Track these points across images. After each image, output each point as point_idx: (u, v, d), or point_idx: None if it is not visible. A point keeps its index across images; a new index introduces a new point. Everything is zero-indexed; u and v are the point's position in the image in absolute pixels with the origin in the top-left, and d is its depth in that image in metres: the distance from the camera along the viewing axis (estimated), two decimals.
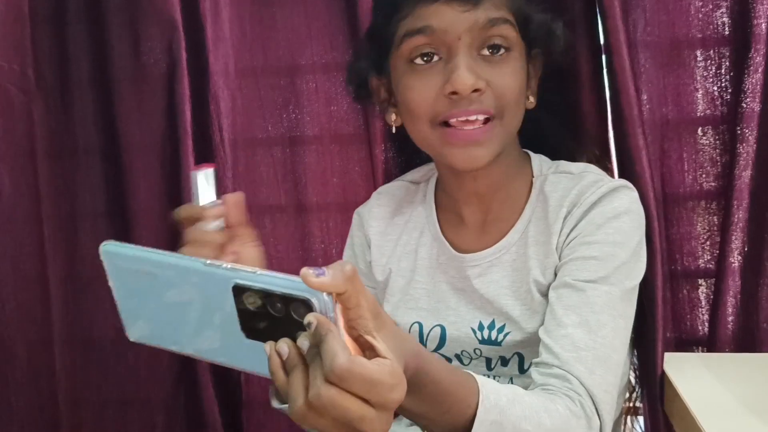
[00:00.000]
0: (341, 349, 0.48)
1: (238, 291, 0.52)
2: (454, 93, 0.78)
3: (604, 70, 0.96)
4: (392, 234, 0.95)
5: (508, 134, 0.83)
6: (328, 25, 1.06)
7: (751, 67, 0.89)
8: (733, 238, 0.91)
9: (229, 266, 0.52)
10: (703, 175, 0.97)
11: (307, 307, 0.49)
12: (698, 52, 0.95)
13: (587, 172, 0.85)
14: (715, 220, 0.97)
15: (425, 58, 0.80)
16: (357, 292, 0.51)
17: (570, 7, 0.93)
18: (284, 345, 0.51)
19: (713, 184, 0.97)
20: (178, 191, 1.08)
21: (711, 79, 0.95)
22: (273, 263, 1.11)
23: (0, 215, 1.13)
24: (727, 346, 0.94)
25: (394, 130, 0.89)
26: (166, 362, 1.15)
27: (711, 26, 0.94)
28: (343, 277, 0.49)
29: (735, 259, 0.92)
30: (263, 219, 1.12)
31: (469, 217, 0.89)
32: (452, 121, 0.80)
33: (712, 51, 0.95)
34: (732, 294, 0.92)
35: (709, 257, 0.97)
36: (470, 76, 0.77)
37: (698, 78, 0.95)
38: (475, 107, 0.79)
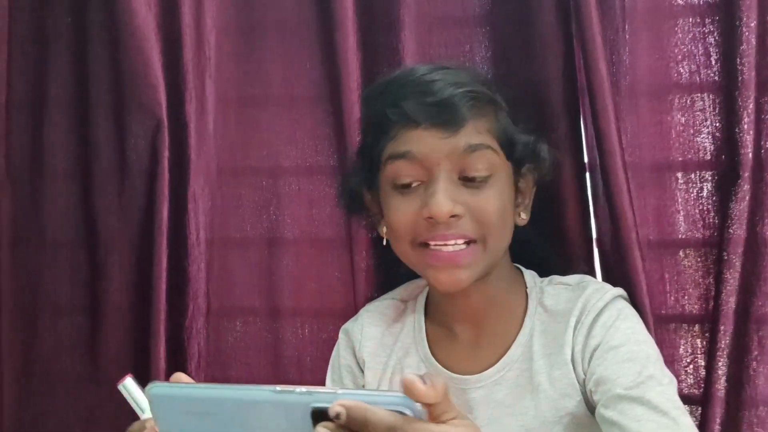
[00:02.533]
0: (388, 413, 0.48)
1: (319, 417, 0.49)
2: (431, 218, 0.79)
3: (588, 188, 0.97)
4: (382, 356, 0.92)
5: (493, 256, 0.83)
6: (313, 129, 1.06)
7: (739, 194, 0.90)
8: (720, 364, 0.90)
9: (304, 390, 0.49)
10: (686, 297, 0.96)
11: None
12: (679, 175, 0.96)
13: (585, 281, 0.86)
14: (699, 343, 0.96)
15: (407, 181, 0.81)
16: (446, 402, 0.50)
17: (555, 126, 0.95)
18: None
19: (695, 306, 0.96)
20: (149, 290, 1.04)
21: (692, 202, 0.96)
22: (242, 369, 1.07)
23: None
24: None
25: (385, 243, 0.88)
26: None
27: (692, 150, 0.95)
28: (443, 388, 0.49)
29: (721, 386, 0.90)
30: (234, 321, 1.09)
31: (462, 334, 0.87)
32: (431, 243, 0.80)
33: (693, 174, 0.96)
34: (719, 422, 0.89)
35: (692, 381, 0.95)
36: (447, 202, 0.78)
37: (680, 200, 0.96)
38: (453, 232, 0.79)
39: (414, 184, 0.81)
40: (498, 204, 0.81)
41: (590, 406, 0.80)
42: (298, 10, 1.05)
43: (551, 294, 0.86)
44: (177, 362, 1.04)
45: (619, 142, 0.89)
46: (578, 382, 0.80)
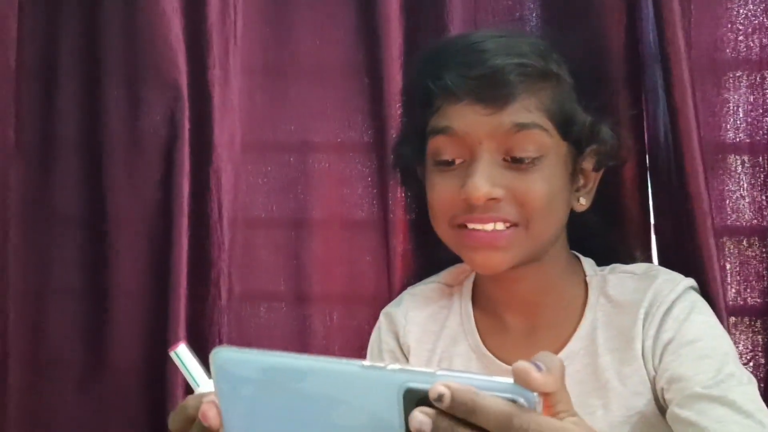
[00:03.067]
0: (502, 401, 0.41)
1: (412, 398, 0.42)
2: (467, 199, 0.73)
3: (648, 171, 0.90)
4: (427, 343, 0.85)
5: (538, 242, 0.76)
6: (346, 102, 0.98)
7: None
8: None
9: (397, 367, 0.43)
10: (748, 290, 0.89)
11: None
12: (746, 158, 0.89)
13: (654, 270, 0.79)
14: (760, 339, 0.89)
15: (449, 158, 0.75)
16: (561, 392, 0.43)
17: (615, 102, 0.87)
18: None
19: (758, 299, 0.89)
20: (167, 273, 0.96)
21: (759, 188, 0.89)
22: None
23: None
24: None
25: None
26: None
27: (761, 131, 0.88)
28: (561, 374, 0.43)
29: None
30: (258, 307, 1.01)
31: (514, 323, 0.81)
32: (469, 225, 0.75)
33: (761, 158, 0.89)
34: None
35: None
36: (484, 184, 0.71)
37: (745, 185, 0.89)
38: (490, 215, 0.73)
39: (457, 161, 0.75)
40: (545, 188, 0.73)
41: (659, 405, 0.73)
42: None
43: (615, 283, 0.79)
44: (196, 351, 0.97)
45: (696, 119, 0.81)
46: (649, 380, 0.74)
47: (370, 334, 0.96)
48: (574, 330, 0.78)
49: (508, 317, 0.81)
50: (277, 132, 1.00)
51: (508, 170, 0.73)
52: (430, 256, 0.93)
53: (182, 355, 0.59)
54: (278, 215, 1.00)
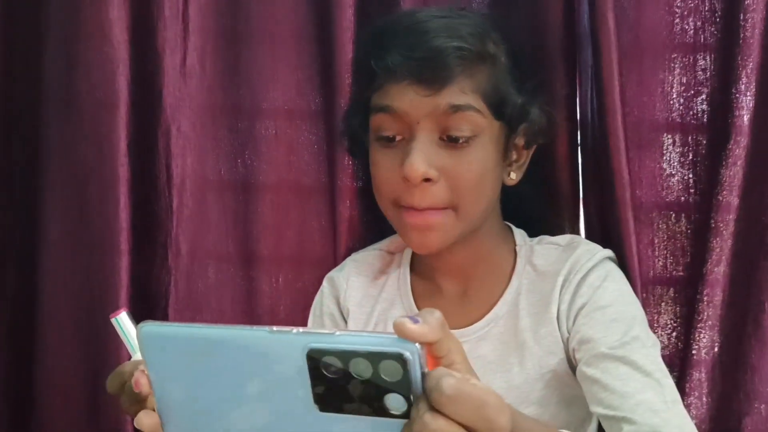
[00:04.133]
0: (446, 372, 0.44)
1: (314, 357, 0.46)
2: (405, 178, 0.76)
3: (578, 148, 0.93)
4: (366, 306, 0.89)
5: (468, 222, 0.80)
6: (296, 70, 1.00)
7: (730, 160, 0.87)
8: (702, 333, 0.88)
9: (301, 330, 0.46)
10: (673, 263, 0.94)
11: (400, 362, 0.44)
12: (677, 137, 0.93)
13: (576, 241, 0.84)
14: (684, 311, 0.93)
15: (390, 134, 0.78)
16: (448, 339, 0.46)
17: (551, 78, 0.90)
18: None
19: (683, 272, 0.94)
20: (104, 230, 0.97)
21: (687, 166, 0.93)
22: (214, 318, 1.03)
23: None
24: None
25: None
26: None
27: (691, 111, 0.92)
28: (438, 324, 0.45)
29: (702, 354, 0.89)
30: (206, 269, 1.03)
31: (449, 288, 0.85)
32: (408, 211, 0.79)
33: (690, 137, 0.93)
34: (701, 388, 0.88)
35: (674, 348, 0.93)
36: (421, 164, 0.75)
37: (675, 164, 0.93)
38: (426, 202, 0.77)
39: (397, 138, 0.78)
40: (478, 169, 0.77)
41: (571, 365, 0.79)
42: None
43: (541, 253, 0.84)
44: (143, 311, 1.00)
45: (622, 99, 0.85)
46: (562, 341, 0.79)
47: (314, 296, 1.00)
48: (501, 295, 0.83)
49: (443, 282, 0.86)
50: (228, 96, 1.01)
51: (444, 149, 0.76)
52: (374, 224, 0.96)
53: (123, 322, 0.62)
54: (228, 178, 1.02)
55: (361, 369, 0.45)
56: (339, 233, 0.97)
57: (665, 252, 0.93)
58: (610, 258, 0.83)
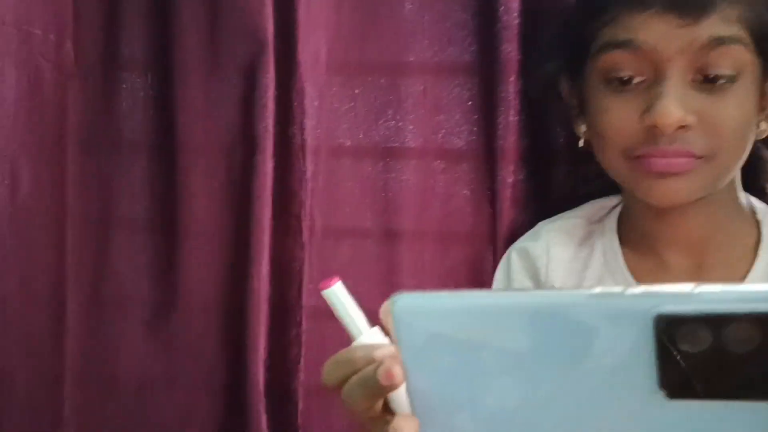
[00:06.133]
0: None
1: (665, 326, 0.34)
2: (654, 126, 0.63)
3: None
4: (570, 284, 0.76)
5: (721, 174, 0.67)
6: (446, 17, 0.88)
7: None
8: None
9: (639, 291, 0.34)
10: None
11: None
12: None
13: None
14: None
15: (626, 76, 0.65)
16: None
17: None
18: None
19: None
20: (246, 207, 0.88)
21: None
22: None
23: (14, 218, 0.91)
24: None
25: (581, 144, 0.72)
26: (205, 406, 0.94)
27: None
28: None
29: None
30: (341, 245, 0.93)
31: (677, 263, 0.72)
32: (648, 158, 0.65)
33: None
34: None
35: None
36: (677, 109, 0.62)
37: None
38: (676, 147, 0.64)
39: (635, 80, 0.65)
40: (739, 115, 0.64)
41: None
42: None
43: None
44: (276, 290, 0.90)
45: None
46: None
47: (465, 276, 0.89)
48: (748, 270, 0.70)
49: (671, 257, 0.72)
50: (366, 51, 0.90)
51: (699, 92, 0.64)
52: (544, 191, 0.84)
53: (339, 294, 0.48)
54: (366, 144, 0.91)
55: (741, 339, 0.33)
56: (500, 201, 0.85)
57: None
58: None
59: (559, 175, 0.85)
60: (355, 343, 0.47)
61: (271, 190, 0.87)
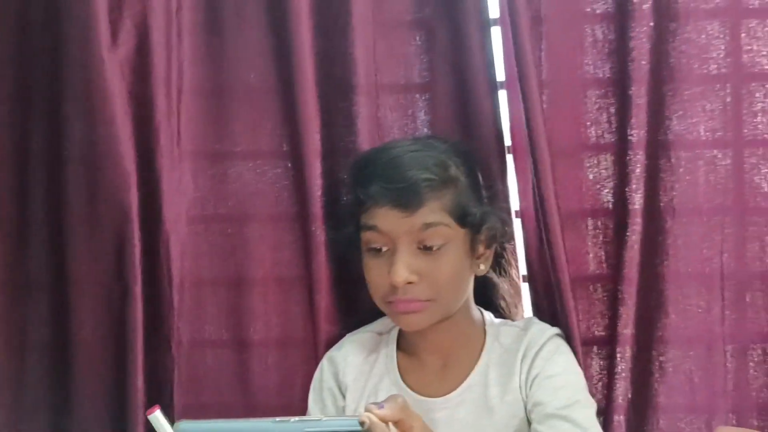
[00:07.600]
0: None
1: None
2: (391, 283, 0.96)
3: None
4: (360, 381, 1.07)
5: (448, 306, 1.01)
6: (275, 183, 1.19)
7: (628, 243, 1.09)
8: (619, 383, 1.08)
9: (296, 419, 0.64)
10: (595, 325, 1.14)
11: None
12: (589, 221, 1.14)
13: (531, 322, 1.05)
14: (605, 363, 1.13)
15: (377, 246, 0.99)
16: (409, 417, 0.68)
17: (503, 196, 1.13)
18: None
19: (603, 333, 1.14)
20: (123, 331, 1.16)
21: (599, 245, 1.14)
22: (214, 396, 1.19)
23: None
24: None
25: None
26: None
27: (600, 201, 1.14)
28: (398, 407, 0.67)
29: (622, 400, 1.09)
30: (204, 355, 1.20)
31: (430, 362, 1.05)
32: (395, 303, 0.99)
33: (599, 221, 1.14)
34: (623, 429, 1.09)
35: (600, 397, 1.12)
36: (404, 272, 0.96)
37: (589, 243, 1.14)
38: (408, 296, 0.97)
39: (383, 250, 0.99)
40: (450, 269, 0.98)
41: (529, 424, 0.98)
42: (262, 73, 1.18)
43: (505, 333, 1.05)
44: (154, 394, 1.16)
45: (555, 192, 1.06)
46: (523, 405, 0.99)
47: (301, 373, 1.17)
48: (473, 367, 1.03)
49: (426, 357, 1.05)
50: (218, 207, 1.20)
51: (422, 256, 0.97)
52: (348, 310, 1.16)
53: (159, 419, 0.71)
54: (221, 276, 1.20)
55: None
56: (317, 320, 1.15)
57: (587, 316, 1.14)
58: (558, 334, 1.03)
59: (363, 296, 1.12)
60: None
61: (142, 318, 1.15)
